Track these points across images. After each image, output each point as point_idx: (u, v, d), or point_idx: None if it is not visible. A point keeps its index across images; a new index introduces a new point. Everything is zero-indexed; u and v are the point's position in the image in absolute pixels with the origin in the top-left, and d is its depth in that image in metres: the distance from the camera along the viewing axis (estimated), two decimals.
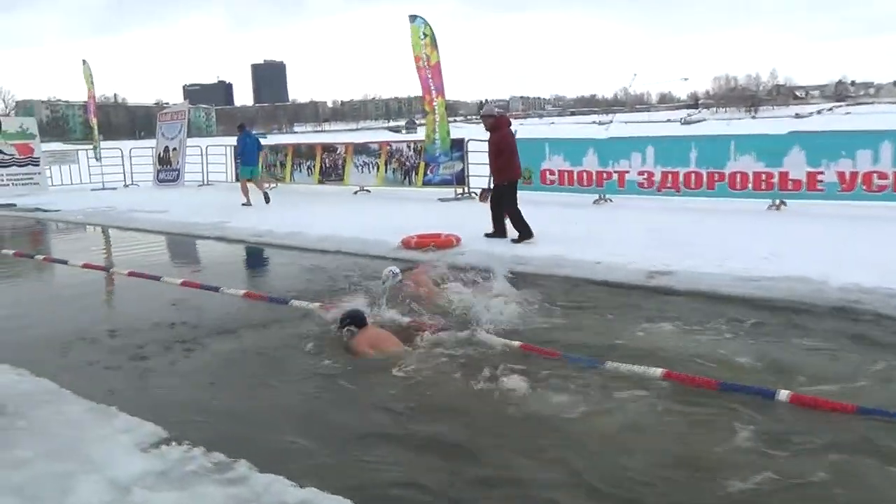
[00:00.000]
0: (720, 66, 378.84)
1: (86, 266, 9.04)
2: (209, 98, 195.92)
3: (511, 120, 10.79)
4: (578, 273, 7.49)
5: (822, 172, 10.82)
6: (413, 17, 14.52)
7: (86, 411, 4.07)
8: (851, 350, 5.01)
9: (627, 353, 4.98)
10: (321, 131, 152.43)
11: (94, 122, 21.46)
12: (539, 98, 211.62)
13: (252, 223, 11.73)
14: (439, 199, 14.53)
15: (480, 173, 14.68)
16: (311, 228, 10.76)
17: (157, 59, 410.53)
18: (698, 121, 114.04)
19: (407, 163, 16.03)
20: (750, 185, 11.45)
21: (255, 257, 10.00)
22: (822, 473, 3.32)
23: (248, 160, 15.55)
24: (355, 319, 5.41)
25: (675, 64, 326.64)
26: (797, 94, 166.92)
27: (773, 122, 79.27)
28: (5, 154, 19.26)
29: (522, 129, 16.69)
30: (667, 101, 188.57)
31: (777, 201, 11.26)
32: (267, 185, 18.47)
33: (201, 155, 20.82)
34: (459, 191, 14.97)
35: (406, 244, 9.04)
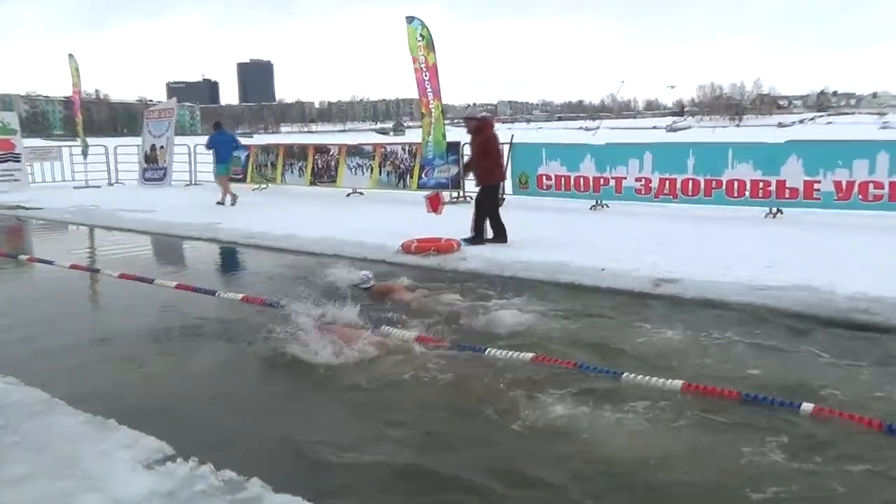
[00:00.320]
0: (706, 74, 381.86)
1: (73, 267, 8.77)
2: (194, 96, 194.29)
3: (492, 122, 10.73)
4: (583, 280, 7.35)
5: (818, 181, 10.81)
6: (410, 19, 14.32)
7: (82, 423, 3.85)
8: (869, 362, 4.88)
9: (641, 363, 4.85)
10: (308, 132, 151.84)
11: (79, 118, 21.07)
12: (527, 103, 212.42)
13: (245, 225, 11.49)
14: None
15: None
16: (307, 231, 10.55)
17: (140, 56, 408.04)
18: (683, 128, 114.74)
19: (401, 165, 15.84)
20: (747, 193, 11.41)
21: (250, 260, 9.73)
22: (843, 489, 3.25)
23: (222, 157, 15.69)
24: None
25: (661, 72, 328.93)
26: (780, 103, 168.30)
27: (757, 130, 79.93)
28: None
29: (504, 133, 16.53)
30: (653, 108, 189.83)
31: (774, 209, 11.21)
32: (257, 185, 18.30)
33: (189, 154, 20.50)
34: (455, 194, 14.81)
35: (406, 248, 8.86)
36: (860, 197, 10.47)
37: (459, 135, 17.72)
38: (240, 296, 6.79)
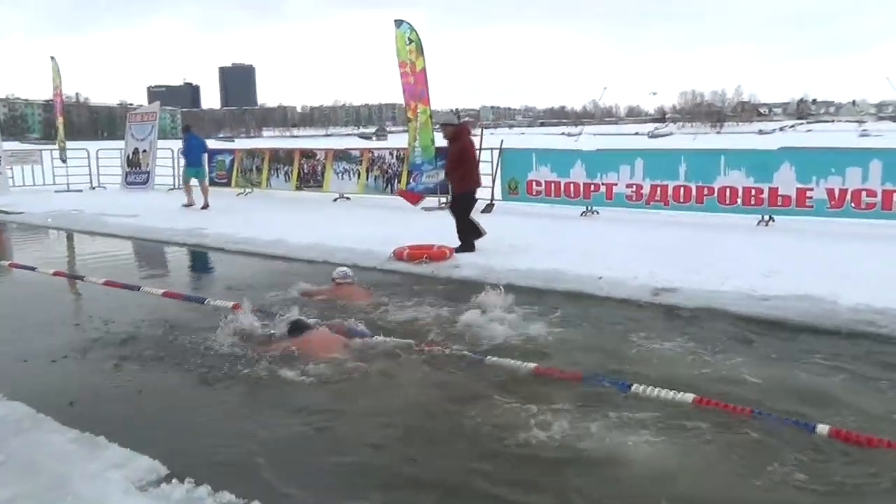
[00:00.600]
0: (687, 81, 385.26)
1: (56, 274, 8.51)
2: (175, 100, 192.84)
3: (471, 129, 10.61)
4: (581, 288, 7.23)
5: (811, 189, 10.79)
6: (399, 23, 14.22)
7: (70, 441, 3.66)
8: (882, 377, 4.79)
9: (648, 375, 4.72)
10: (290, 136, 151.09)
11: (60, 121, 20.72)
12: (510, 108, 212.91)
13: (231, 230, 11.27)
14: (423, 209, 14.23)
15: None
16: (295, 236, 10.35)
17: (121, 59, 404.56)
18: (665, 134, 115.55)
19: (389, 170, 15.69)
20: (739, 201, 11.37)
21: (239, 267, 9.47)
22: None
23: (193, 161, 15.89)
24: (299, 326, 5.51)
25: (643, 78, 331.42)
26: (761, 110, 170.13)
27: (738, 137, 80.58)
28: None
29: (493, 138, 16.49)
30: (635, 115, 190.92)
31: (766, 217, 11.18)
32: (242, 190, 18.07)
33: (172, 158, 20.22)
34: (443, 200, 14.66)
35: (398, 255, 8.70)
36: (853, 205, 10.46)
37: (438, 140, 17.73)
38: (230, 303, 6.59)
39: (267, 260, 9.57)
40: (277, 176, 17.83)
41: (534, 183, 13.59)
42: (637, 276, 7.38)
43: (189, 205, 15.37)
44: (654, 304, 6.66)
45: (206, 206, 15.07)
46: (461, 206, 9.47)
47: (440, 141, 15.74)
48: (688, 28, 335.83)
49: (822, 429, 3.84)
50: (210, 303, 6.84)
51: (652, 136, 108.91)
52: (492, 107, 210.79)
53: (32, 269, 8.86)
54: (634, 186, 12.40)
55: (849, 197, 10.49)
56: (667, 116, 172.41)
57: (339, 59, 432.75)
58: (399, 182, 15.49)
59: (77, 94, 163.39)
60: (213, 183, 19.08)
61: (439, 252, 8.65)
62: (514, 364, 4.93)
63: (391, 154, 15.92)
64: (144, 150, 20.14)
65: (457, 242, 9.17)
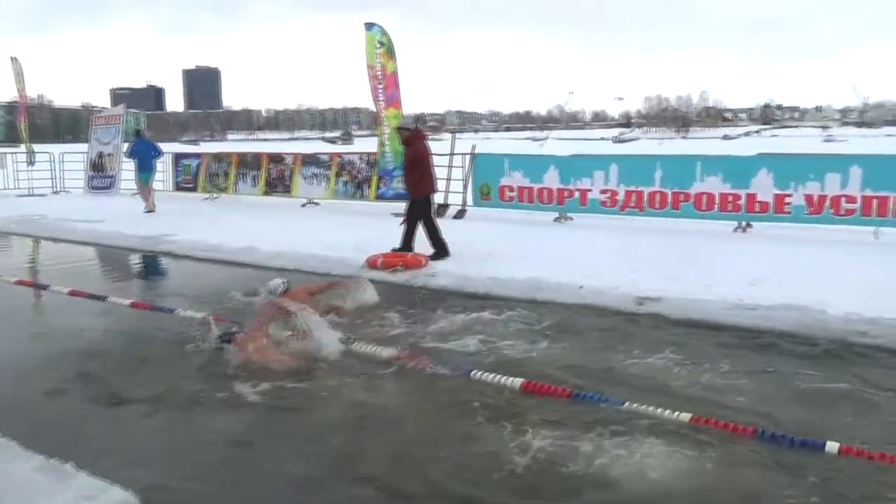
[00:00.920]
0: (653, 87, 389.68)
1: (19, 283, 8.12)
2: (139, 102, 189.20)
3: (426, 134, 10.51)
4: (563, 298, 7.08)
5: (790, 195, 10.80)
6: (369, 25, 13.98)
7: (36, 470, 3.38)
8: (884, 390, 4.69)
9: (640, 391, 4.58)
10: (255, 139, 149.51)
11: (24, 123, 20.10)
12: (475, 113, 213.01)
13: (200, 237, 10.93)
14: (392, 214, 13.98)
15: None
16: (266, 243, 10.07)
17: (84, 61, 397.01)
18: (631, 139, 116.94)
19: (359, 175, 15.43)
20: (716, 207, 11.35)
21: (209, 275, 9.14)
22: None
23: (144, 166, 15.69)
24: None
25: (609, 84, 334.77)
26: (726, 116, 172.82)
27: (703, 142, 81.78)
28: None
29: (464, 143, 16.33)
30: (600, 120, 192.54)
31: (743, 223, 11.18)
32: (209, 195, 17.66)
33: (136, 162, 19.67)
34: None
35: (372, 264, 8.49)
36: (832, 211, 10.48)
37: (446, 144, 17.54)
38: (200, 315, 6.32)
39: (237, 268, 9.27)
40: (245, 180, 17.46)
41: (506, 188, 13.45)
42: (619, 285, 7.27)
43: (151, 209, 15.15)
44: (639, 313, 6.54)
45: (152, 209, 15.11)
46: (418, 211, 9.35)
47: (442, 144, 15.60)
48: (653, 33, 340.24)
49: (832, 447, 3.72)
50: (180, 313, 6.55)
51: (617, 141, 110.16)
52: (457, 111, 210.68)
53: None
54: (609, 192, 12.32)
55: (828, 203, 10.52)
56: (632, 121, 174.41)
57: (304, 63, 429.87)
58: (369, 188, 15.26)
59: (39, 95, 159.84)
60: (179, 188, 18.71)
61: (414, 260, 8.46)
62: (500, 380, 4.76)
63: (361, 159, 15.66)
64: (109, 154, 19.60)
65: (430, 250, 9.02)
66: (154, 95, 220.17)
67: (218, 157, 18.33)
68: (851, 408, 4.40)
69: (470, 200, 13.81)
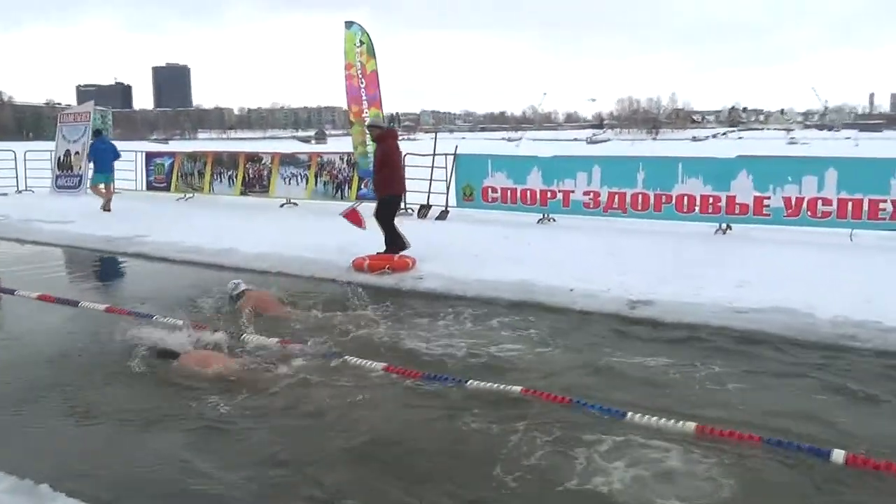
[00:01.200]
0: (624, 89, 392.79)
1: None
2: (106, 100, 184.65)
3: (398, 133, 10.51)
4: (554, 300, 6.96)
5: (768, 197, 10.81)
6: (349, 24, 13.77)
7: (6, 492, 3.16)
8: (884, 397, 4.62)
9: (641, 399, 4.46)
10: (227, 139, 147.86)
11: None
12: (449, 113, 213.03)
13: (175, 238, 10.64)
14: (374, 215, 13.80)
15: (417, 188, 14.11)
16: (246, 245, 9.82)
17: (47, 57, 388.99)
18: (603, 140, 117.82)
19: (339, 175, 15.20)
20: (697, 209, 11.33)
21: (188, 279, 8.75)
22: None
23: (102, 167, 15.59)
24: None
25: (581, 85, 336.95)
26: (694, 118, 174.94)
27: (673, 143, 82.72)
28: None
29: (447, 143, 16.18)
30: (573, 121, 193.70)
31: (724, 225, 11.17)
32: (182, 195, 17.29)
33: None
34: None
35: (358, 266, 8.30)
36: (809, 213, 10.52)
37: (421, 144, 17.38)
38: (179, 321, 6.08)
39: (217, 271, 8.96)
40: (220, 180, 17.12)
41: (490, 189, 13.32)
42: (609, 288, 7.18)
43: (107, 209, 14.92)
44: (632, 317, 6.44)
45: (107, 209, 14.88)
46: (383, 210, 9.26)
47: (417, 144, 15.42)
48: (624, 36, 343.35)
49: (838, 455, 3.63)
50: (159, 320, 6.30)
51: (590, 142, 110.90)
52: (432, 111, 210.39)
53: None
54: (592, 194, 12.26)
55: (805, 205, 10.56)
56: (604, 123, 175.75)
57: (277, 62, 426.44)
58: (350, 188, 15.04)
59: (0, 92, 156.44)
60: (151, 187, 18.29)
61: (401, 262, 8.29)
62: (496, 387, 4.60)
63: (341, 159, 15.43)
64: (77, 153, 19.08)
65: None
66: (122, 93, 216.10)
67: (192, 157, 17.93)
68: (851, 412, 4.34)
69: (452, 201, 13.66)
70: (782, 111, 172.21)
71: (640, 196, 11.82)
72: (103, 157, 15.72)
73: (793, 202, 10.63)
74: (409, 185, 14.27)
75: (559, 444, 3.88)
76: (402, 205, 14.15)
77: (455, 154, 13.75)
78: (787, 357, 5.42)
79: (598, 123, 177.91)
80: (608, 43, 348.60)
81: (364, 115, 13.78)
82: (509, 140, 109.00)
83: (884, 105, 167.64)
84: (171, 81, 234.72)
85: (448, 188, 13.64)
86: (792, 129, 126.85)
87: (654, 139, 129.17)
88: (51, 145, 19.99)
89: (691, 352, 5.48)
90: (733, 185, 11.03)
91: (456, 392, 4.64)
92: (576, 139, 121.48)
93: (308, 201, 15.56)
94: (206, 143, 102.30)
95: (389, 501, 3.35)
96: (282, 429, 4.14)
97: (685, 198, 11.43)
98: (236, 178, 16.80)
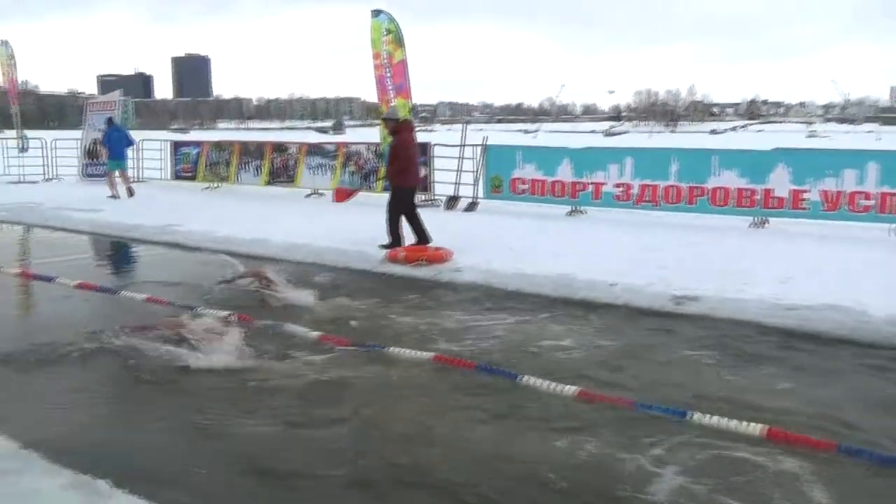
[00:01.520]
0: (642, 81, 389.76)
1: (23, 275, 7.77)
2: (127, 90, 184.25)
3: (413, 125, 10.41)
4: (595, 295, 6.83)
5: (807, 191, 10.62)
6: (376, 13, 13.69)
7: (66, 488, 3.09)
8: None
9: (702, 398, 4.34)
10: (246, 129, 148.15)
11: (16, 108, 19.61)
12: (467, 104, 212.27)
13: (206, 227, 10.61)
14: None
15: (445, 179, 14.03)
16: (277, 235, 9.76)
17: (70, 48, 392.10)
18: (620, 133, 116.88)
19: (366, 166, 15.13)
20: (732, 202, 11.16)
21: (224, 268, 8.67)
22: None
23: (115, 154, 15.95)
24: None
25: (599, 77, 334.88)
26: (713, 110, 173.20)
27: (692, 136, 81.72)
28: None
29: (450, 134, 16.05)
30: (590, 113, 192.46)
31: (759, 218, 10.99)
32: (209, 184, 17.31)
33: (134, 150, 19.28)
34: (423, 197, 14.19)
35: (393, 257, 8.22)
36: (848, 207, 10.32)
37: (438, 135, 17.27)
38: (225, 312, 6.04)
39: (251, 261, 8.85)
40: (247, 170, 17.11)
41: (519, 181, 13.20)
42: (651, 282, 7.05)
43: (114, 196, 15.23)
44: (678, 314, 6.29)
45: (131, 194, 15.36)
46: (394, 201, 9.22)
47: (434, 136, 15.30)
48: (644, 28, 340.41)
49: None
50: (199, 311, 6.25)
51: (608, 134, 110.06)
52: (449, 103, 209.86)
53: None
54: (623, 186, 12.12)
55: (845, 199, 10.35)
56: (622, 115, 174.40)
57: (296, 53, 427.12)
58: (377, 178, 14.96)
59: (25, 81, 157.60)
60: (177, 177, 18.32)
61: (437, 254, 8.19)
62: (552, 387, 4.49)
63: (368, 149, 15.36)
64: None
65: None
66: (142, 83, 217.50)
67: (219, 146, 17.94)
68: None
69: (481, 193, 13.56)
70: (802, 104, 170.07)
71: (673, 188, 11.65)
72: (117, 145, 16.02)
73: (831, 196, 10.43)
74: (437, 176, 14.26)
75: (617, 446, 3.77)
76: (432, 197, 14.17)
77: (484, 145, 13.63)
78: (845, 356, 5.27)
79: (616, 116, 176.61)
80: (627, 35, 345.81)
81: (391, 104, 13.73)
82: (526, 132, 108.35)
83: None
84: (191, 72, 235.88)
85: (477, 180, 13.53)
86: (812, 123, 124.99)
87: (673, 132, 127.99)
88: (75, 134, 20.09)
89: (745, 350, 5.34)
90: (770, 178, 10.84)
91: (507, 389, 4.54)
92: (593, 131, 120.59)
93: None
94: (225, 132, 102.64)
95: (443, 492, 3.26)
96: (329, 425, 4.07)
97: (720, 191, 11.26)
98: (262, 168, 16.78)
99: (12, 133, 20.37)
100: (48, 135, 21.84)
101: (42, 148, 19.71)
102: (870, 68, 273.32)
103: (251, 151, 17.18)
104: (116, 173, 15.90)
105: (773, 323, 5.94)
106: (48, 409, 4.22)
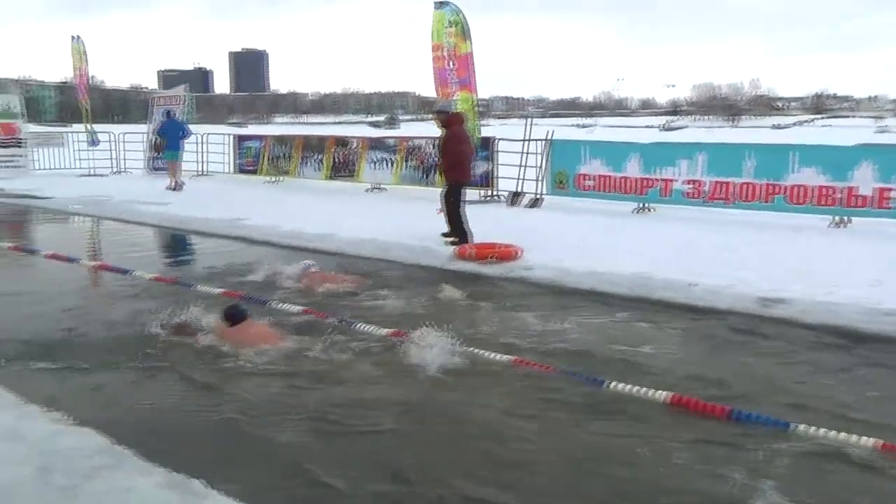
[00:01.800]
0: (703, 74, 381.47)
1: (101, 268, 7.88)
2: (181, 84, 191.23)
3: (465, 119, 10.27)
4: (674, 296, 6.57)
5: (892, 189, 10.12)
6: (440, 4, 13.53)
7: (161, 487, 3.05)
8: None
9: (806, 410, 4.08)
10: (301, 123, 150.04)
11: (85, 103, 20.15)
12: (521, 98, 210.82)
13: (272, 221, 10.65)
14: (463, 201, 13.58)
15: (509, 175, 13.84)
16: (343, 230, 9.73)
17: (132, 43, 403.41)
18: (679, 128, 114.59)
19: (428, 160, 15.04)
20: (812, 200, 10.69)
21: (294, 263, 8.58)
22: None
23: (171, 145, 16.49)
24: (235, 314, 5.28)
25: (657, 71, 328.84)
26: (777, 105, 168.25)
27: (754, 131, 79.58)
28: None
29: (504, 129, 15.79)
30: (648, 107, 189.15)
31: (840, 218, 10.51)
32: (271, 178, 17.48)
33: (197, 143, 19.64)
34: (486, 193, 14.05)
35: (462, 254, 8.09)
36: None
37: (501, 130, 17.11)
38: (299, 308, 6.00)
39: (321, 256, 8.75)
40: (308, 164, 17.21)
41: (584, 177, 12.93)
42: (732, 284, 6.75)
43: (174, 188, 15.74)
44: (767, 316, 6.00)
45: (178, 188, 15.72)
46: (449, 195, 9.16)
47: (487, 130, 15.16)
48: (704, 20, 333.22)
49: None
50: (272, 304, 6.22)
51: (665, 129, 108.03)
52: (504, 97, 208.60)
53: (74, 260, 8.21)
54: (694, 183, 11.75)
55: None
56: (680, 109, 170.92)
57: (350, 47, 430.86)
58: (438, 173, 14.84)
59: (92, 77, 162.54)
60: (240, 170, 18.55)
61: (506, 251, 8.03)
62: (640, 392, 4.29)
63: (429, 143, 15.26)
64: None
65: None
66: (201, 78, 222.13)
67: (281, 140, 18.11)
68: None
69: (544, 189, 13.33)
70: (872, 98, 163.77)
71: (747, 186, 11.24)
72: (172, 136, 16.53)
73: None
74: (500, 171, 14.07)
75: (713, 457, 3.57)
76: (495, 192, 13.98)
77: (549, 140, 13.39)
78: None
79: (674, 110, 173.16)
80: (688, 27, 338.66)
81: (453, 98, 13.59)
82: (581, 126, 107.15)
83: None
84: (249, 66, 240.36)
85: (541, 175, 13.31)
86: (883, 118, 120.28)
87: (734, 126, 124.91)
88: (139, 128, 20.55)
89: (846, 357, 5.05)
90: (853, 176, 10.36)
91: (592, 394, 4.36)
92: (650, 126, 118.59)
93: (395, 186, 15.48)
94: (281, 126, 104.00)
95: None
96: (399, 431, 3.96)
97: (798, 188, 10.81)
98: (324, 162, 16.85)
99: (80, 127, 20.93)
100: (115, 129, 22.40)
101: (110, 142, 20.22)
102: None
103: (313, 146, 17.27)
104: (170, 164, 16.39)
105: (871, 329, 5.61)
106: (135, 405, 4.20)
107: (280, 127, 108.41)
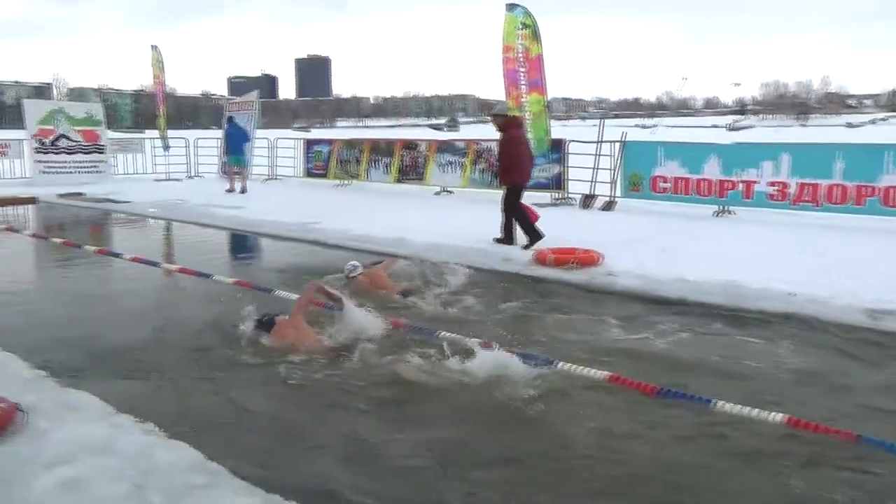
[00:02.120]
0: (770, 72, 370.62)
1: (182, 271, 7.94)
2: (253, 91, 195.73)
3: (522, 121, 10.28)
4: (771, 306, 6.18)
5: None
6: (512, 7, 13.35)
7: None
8: None
9: None
10: (363, 126, 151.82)
11: (162, 109, 20.69)
12: (581, 100, 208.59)
13: (343, 225, 10.63)
14: (533, 204, 13.34)
15: (581, 177, 13.55)
16: (415, 234, 9.60)
17: (202, 51, 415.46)
18: (745, 127, 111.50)
19: (497, 163, 14.81)
20: None
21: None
22: None
23: (234, 149, 16.99)
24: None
25: (722, 69, 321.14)
26: (849, 102, 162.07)
27: (824, 130, 76.68)
28: (72, 140, 18.52)
29: (566, 130, 15.41)
30: (712, 106, 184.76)
31: None
32: (340, 181, 17.56)
33: (268, 147, 19.93)
34: (557, 195, 13.78)
35: (541, 260, 7.86)
36: None
37: (561, 131, 16.81)
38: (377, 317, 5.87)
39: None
40: (376, 167, 17.24)
41: (660, 179, 12.55)
42: (835, 294, 6.34)
43: (230, 190, 16.07)
44: (879, 330, 5.59)
45: (243, 191, 16.06)
46: (508, 198, 9.14)
47: (557, 132, 14.87)
48: (772, 16, 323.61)
49: None
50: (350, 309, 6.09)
51: (731, 128, 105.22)
52: (563, 98, 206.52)
53: (155, 264, 8.30)
54: (779, 184, 11.25)
55: None
56: (747, 108, 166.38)
57: (411, 51, 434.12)
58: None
59: (165, 84, 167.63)
60: (309, 174, 18.70)
61: (588, 256, 7.76)
62: (751, 412, 3.97)
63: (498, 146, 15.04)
64: None
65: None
66: (267, 84, 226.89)
67: (350, 144, 18.21)
68: None
69: (618, 191, 12.99)
70: None
71: (837, 188, 10.71)
72: (235, 141, 16.97)
73: None
74: (571, 173, 13.78)
75: (839, 482, 3.28)
76: (566, 195, 13.70)
77: (623, 141, 13.04)
78: None
79: (740, 109, 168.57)
80: (754, 23, 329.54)
81: (523, 100, 13.37)
82: (643, 127, 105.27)
83: None
84: (313, 72, 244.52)
85: (615, 178, 12.97)
86: None
87: (803, 125, 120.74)
88: (211, 133, 20.98)
89: None
90: None
91: (701, 415, 4.08)
92: (715, 126, 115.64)
93: (464, 189, 15.34)
94: (344, 130, 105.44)
95: None
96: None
97: (894, 190, 10.23)
98: (392, 165, 16.84)
99: (155, 133, 21.53)
100: (189, 134, 22.94)
101: (185, 147, 20.72)
102: None
103: (381, 149, 17.29)
104: (235, 169, 16.70)
105: None
106: (225, 418, 4.12)
107: (344, 130, 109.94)
